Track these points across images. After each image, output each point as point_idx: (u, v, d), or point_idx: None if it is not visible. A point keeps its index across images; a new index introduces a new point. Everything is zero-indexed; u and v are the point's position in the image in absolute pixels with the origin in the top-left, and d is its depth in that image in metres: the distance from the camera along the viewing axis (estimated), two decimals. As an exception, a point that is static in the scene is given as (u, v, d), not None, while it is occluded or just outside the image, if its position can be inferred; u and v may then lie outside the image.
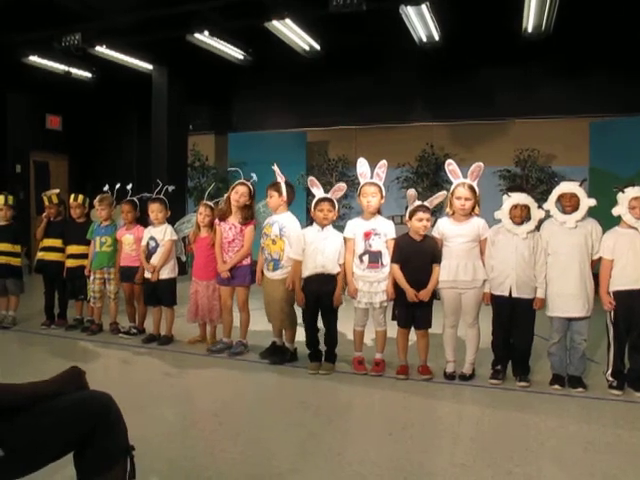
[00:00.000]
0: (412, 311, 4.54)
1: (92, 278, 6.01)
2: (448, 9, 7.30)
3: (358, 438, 3.52)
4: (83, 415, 2.00)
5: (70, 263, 6.16)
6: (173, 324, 5.71)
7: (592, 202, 4.27)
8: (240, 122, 11.62)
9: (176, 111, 10.50)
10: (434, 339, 4.72)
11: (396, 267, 4.51)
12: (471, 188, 4.45)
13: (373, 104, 10.29)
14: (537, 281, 4.34)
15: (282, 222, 4.96)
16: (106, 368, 5.07)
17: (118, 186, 6.07)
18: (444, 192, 4.70)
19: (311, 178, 4.93)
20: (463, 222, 4.48)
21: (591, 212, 4.34)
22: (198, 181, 11.09)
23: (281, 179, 5.02)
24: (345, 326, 5.08)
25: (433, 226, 4.71)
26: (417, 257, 4.48)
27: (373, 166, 4.69)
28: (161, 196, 5.78)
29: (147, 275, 5.65)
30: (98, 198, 6.05)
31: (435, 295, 4.57)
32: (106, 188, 6.12)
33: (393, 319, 4.67)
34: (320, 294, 4.67)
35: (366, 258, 4.60)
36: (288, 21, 7.59)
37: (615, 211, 4.24)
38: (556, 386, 4.34)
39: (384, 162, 4.68)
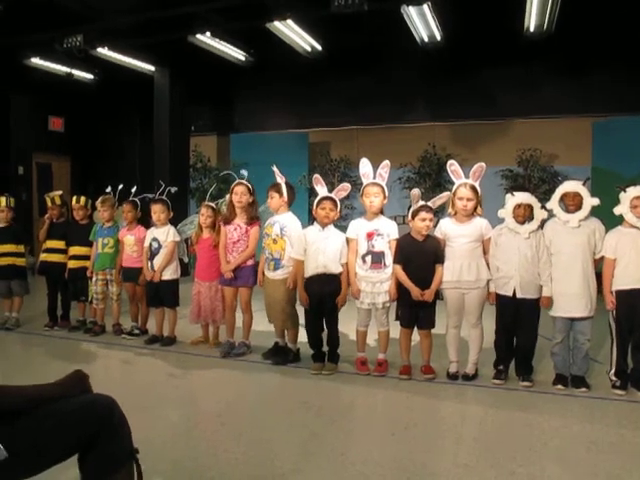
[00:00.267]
0: (415, 311, 4.54)
1: (94, 279, 6.02)
2: (450, 9, 7.29)
3: (361, 438, 3.52)
4: (86, 418, 2.00)
5: (72, 264, 6.17)
6: (176, 325, 5.71)
7: (595, 201, 4.26)
8: (242, 123, 11.63)
9: (178, 112, 10.51)
10: (437, 339, 4.71)
11: (398, 267, 4.51)
12: (473, 188, 4.44)
13: (375, 104, 10.29)
14: (542, 279, 4.33)
15: (283, 222, 4.96)
16: (109, 369, 5.08)
17: (121, 187, 6.09)
18: (448, 193, 4.69)
19: (316, 176, 4.93)
20: (466, 222, 4.48)
21: (594, 211, 4.33)
22: (200, 182, 11.10)
23: (281, 180, 5.02)
24: (348, 326, 5.08)
25: (435, 226, 4.70)
26: (419, 257, 4.48)
27: (375, 166, 4.69)
28: (163, 197, 5.79)
29: (147, 277, 5.66)
30: (100, 199, 6.06)
31: (438, 295, 4.57)
32: (108, 189, 6.13)
33: (396, 319, 4.67)
34: (322, 294, 4.67)
35: (369, 259, 4.59)
36: (290, 22, 7.59)
37: (617, 210, 4.24)
38: (559, 386, 4.33)
39: (387, 162, 4.67)
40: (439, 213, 6.63)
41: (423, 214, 4.45)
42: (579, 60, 9.00)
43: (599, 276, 4.36)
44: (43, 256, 6.38)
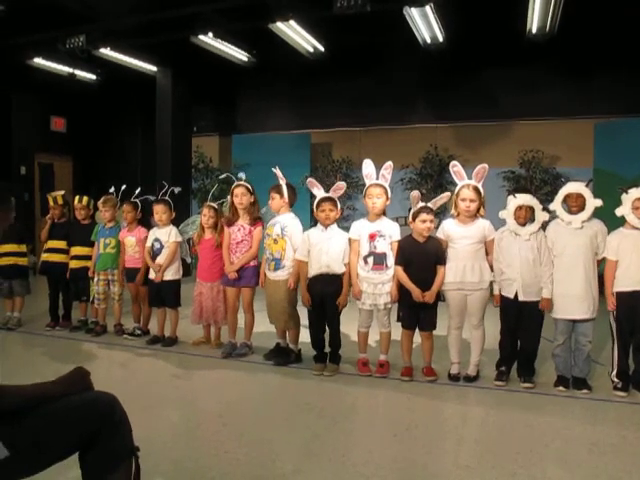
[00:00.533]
0: (417, 312, 4.54)
1: (96, 279, 6.03)
2: (452, 10, 7.29)
3: (362, 439, 3.52)
4: (88, 416, 2.00)
5: (74, 264, 6.17)
6: (177, 325, 5.71)
7: (598, 202, 4.26)
8: (244, 123, 11.63)
9: (180, 113, 10.52)
10: (438, 341, 4.71)
11: (400, 269, 4.51)
12: (476, 190, 4.44)
13: (377, 105, 10.29)
14: (542, 280, 4.33)
15: (284, 222, 4.96)
16: (110, 369, 5.08)
17: (123, 188, 6.10)
18: (448, 193, 4.70)
19: (310, 179, 4.92)
20: (468, 224, 4.48)
21: (596, 213, 4.33)
22: (202, 183, 11.11)
23: (282, 181, 5.03)
24: (349, 327, 5.08)
25: (437, 227, 4.70)
26: (420, 258, 4.48)
27: (377, 167, 4.70)
28: (166, 197, 5.79)
29: (152, 276, 5.67)
30: (102, 200, 6.07)
31: (440, 297, 4.56)
32: (112, 190, 6.14)
33: (398, 321, 4.67)
34: (325, 294, 4.68)
35: (371, 260, 4.59)
36: (292, 22, 7.59)
37: (618, 211, 4.23)
38: (561, 387, 4.33)
39: (390, 163, 4.67)
40: (440, 214, 6.63)
41: (423, 215, 4.45)
42: (581, 62, 9.00)
43: (601, 277, 4.35)
44: (44, 256, 6.39)
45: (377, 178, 4.68)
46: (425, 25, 7.50)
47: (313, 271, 4.69)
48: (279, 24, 7.56)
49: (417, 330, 4.63)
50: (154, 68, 10.19)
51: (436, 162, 10.02)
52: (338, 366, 4.79)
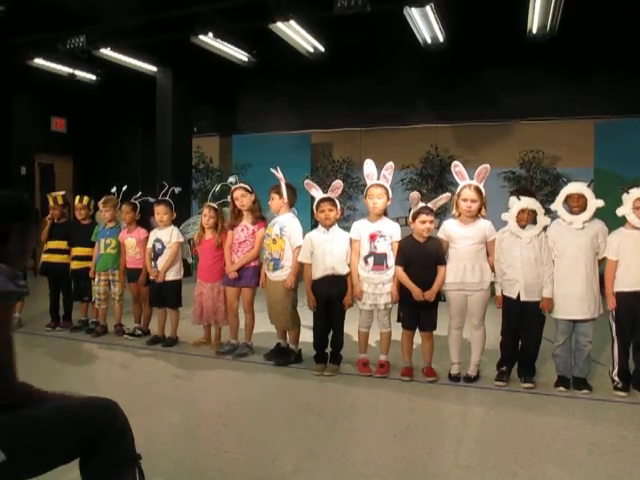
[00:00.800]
0: (417, 313, 4.54)
1: (97, 280, 6.03)
2: (452, 10, 7.30)
3: (362, 439, 3.52)
4: (87, 421, 1.99)
5: (75, 265, 6.17)
6: (178, 326, 5.71)
7: (600, 203, 4.26)
8: (244, 124, 11.63)
9: (180, 113, 10.53)
10: (439, 341, 4.71)
11: (400, 269, 4.50)
12: (477, 190, 4.44)
13: (377, 105, 10.29)
14: (543, 280, 4.33)
15: (283, 222, 4.96)
16: (111, 369, 5.08)
17: (124, 188, 6.10)
18: (448, 194, 4.69)
19: (307, 181, 4.92)
20: (469, 224, 4.48)
21: (597, 213, 4.33)
22: (202, 183, 11.11)
23: (282, 181, 5.03)
24: (350, 328, 5.08)
25: (438, 228, 4.70)
26: (421, 259, 4.48)
27: (378, 168, 4.69)
28: (167, 198, 5.79)
29: (152, 276, 5.67)
30: (103, 200, 6.06)
31: (440, 297, 4.56)
32: (113, 190, 6.14)
33: (398, 321, 4.67)
34: (330, 295, 4.68)
35: (371, 260, 4.59)
36: (292, 23, 7.60)
37: (619, 211, 4.22)
38: (561, 388, 4.33)
39: (391, 164, 4.67)
40: (441, 214, 6.63)
41: (423, 216, 4.45)
42: (581, 62, 9.00)
43: (601, 277, 4.35)
44: (45, 257, 6.38)
45: (378, 178, 4.68)
46: (425, 25, 7.50)
47: (318, 273, 4.69)
48: (279, 24, 7.56)
49: (417, 330, 4.63)
50: (154, 68, 10.20)
51: (436, 162, 10.02)
52: (339, 366, 4.79)
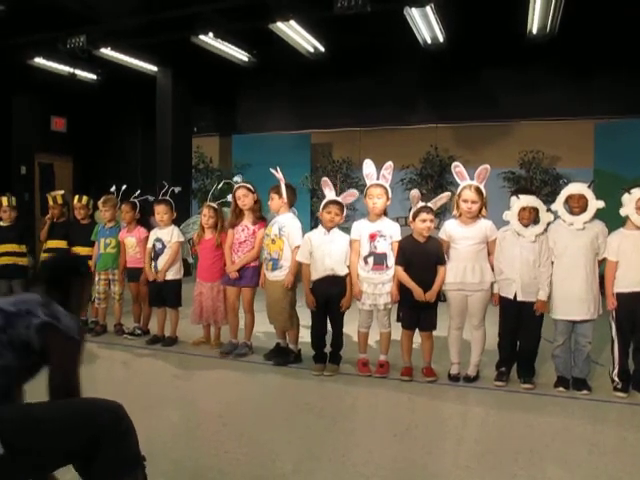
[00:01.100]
0: (417, 313, 4.54)
1: (97, 279, 6.02)
2: (453, 11, 7.30)
3: (362, 439, 3.52)
4: (90, 422, 2.00)
5: (75, 264, 6.16)
6: (177, 325, 5.71)
7: (600, 204, 4.25)
8: (244, 124, 11.64)
9: (180, 113, 10.53)
10: (438, 341, 4.71)
11: (400, 269, 4.50)
12: (478, 190, 4.43)
13: (377, 105, 10.29)
14: (540, 282, 4.33)
15: (282, 222, 4.96)
16: (110, 369, 5.08)
17: (124, 188, 6.10)
18: (448, 193, 4.70)
19: (324, 179, 4.94)
20: (470, 224, 4.47)
21: (596, 214, 4.32)
22: (202, 183, 11.11)
23: (281, 181, 5.03)
24: (350, 328, 5.07)
25: (439, 228, 4.69)
26: (421, 258, 4.48)
27: (377, 168, 4.70)
28: (167, 198, 5.79)
29: (149, 278, 5.66)
30: (102, 199, 6.06)
31: (440, 297, 4.56)
32: (112, 189, 6.14)
33: (398, 321, 4.66)
34: (329, 296, 4.68)
35: (371, 260, 4.59)
36: (292, 23, 7.60)
37: (623, 212, 4.21)
38: (561, 388, 4.33)
39: (390, 164, 4.67)
40: (440, 214, 6.62)
41: (423, 215, 4.45)
42: (581, 62, 9.00)
43: (601, 278, 4.34)
44: (44, 256, 6.38)
45: (377, 178, 4.68)
46: (425, 25, 7.50)
47: (317, 274, 4.69)
48: (279, 24, 7.56)
49: (417, 330, 4.63)
50: (154, 68, 10.20)
51: (436, 162, 10.03)
52: (338, 366, 4.79)
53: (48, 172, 11.71)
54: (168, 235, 5.66)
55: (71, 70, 10.12)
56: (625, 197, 4.22)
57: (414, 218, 4.50)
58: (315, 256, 4.69)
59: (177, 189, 5.92)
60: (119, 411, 2.07)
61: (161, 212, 5.67)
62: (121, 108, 12.01)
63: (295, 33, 8.01)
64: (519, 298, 4.33)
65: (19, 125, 10.88)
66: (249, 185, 5.21)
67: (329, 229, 4.71)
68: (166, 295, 5.65)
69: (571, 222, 4.30)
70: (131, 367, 5.09)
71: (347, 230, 4.79)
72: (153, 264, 5.65)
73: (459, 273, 4.43)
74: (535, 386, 4.38)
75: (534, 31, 7.46)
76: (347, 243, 4.70)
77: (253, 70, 9.80)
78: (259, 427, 3.64)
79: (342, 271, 4.66)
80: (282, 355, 5.04)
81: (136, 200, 6.00)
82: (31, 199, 11.01)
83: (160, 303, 5.72)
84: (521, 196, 4.40)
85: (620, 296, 4.23)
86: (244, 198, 5.17)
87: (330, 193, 4.78)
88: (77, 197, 6.34)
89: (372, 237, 4.60)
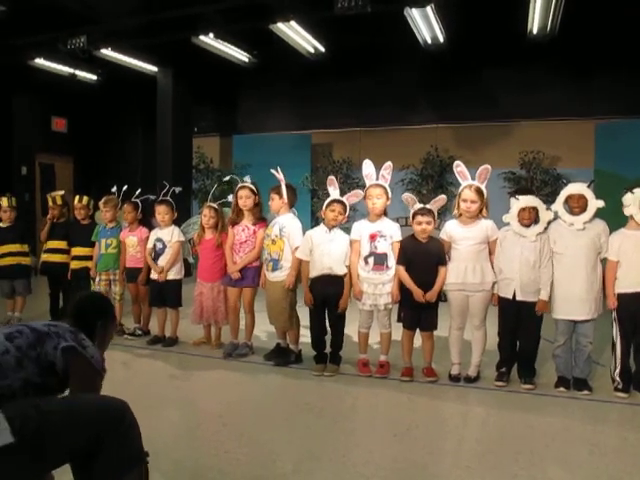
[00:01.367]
0: (418, 313, 4.53)
1: (97, 280, 6.02)
2: (453, 11, 7.30)
3: (363, 440, 3.51)
4: (96, 418, 2.01)
5: (74, 265, 6.17)
6: (178, 326, 5.71)
7: (600, 203, 4.24)
8: (245, 124, 11.64)
9: (181, 113, 10.54)
10: (439, 341, 4.71)
11: (402, 269, 4.50)
12: (478, 191, 4.43)
13: (377, 106, 10.29)
14: (540, 282, 4.32)
15: (282, 222, 4.97)
16: (111, 369, 5.00)
17: (125, 188, 6.10)
18: (443, 196, 4.69)
19: (330, 177, 4.94)
20: (471, 224, 4.47)
21: (597, 213, 4.31)
22: (203, 183, 11.11)
23: (282, 182, 5.03)
24: (350, 328, 5.07)
25: (439, 229, 4.69)
26: (422, 259, 4.48)
27: (378, 168, 4.70)
28: (168, 198, 5.79)
29: (154, 276, 5.67)
30: (104, 200, 6.06)
31: (441, 297, 4.56)
32: (113, 189, 6.14)
33: (399, 321, 4.66)
34: (326, 295, 4.67)
35: (371, 260, 4.59)
36: (293, 23, 7.60)
37: (627, 211, 4.19)
38: (561, 388, 4.33)
39: (389, 164, 4.67)
40: (441, 215, 6.61)
41: (419, 217, 4.45)
42: (582, 62, 9.00)
43: (603, 277, 4.34)
44: (44, 256, 6.40)
45: (377, 178, 4.68)
46: (426, 25, 7.50)
47: (315, 272, 4.69)
48: (280, 25, 7.57)
49: (418, 330, 4.62)
50: (155, 68, 10.21)
51: (437, 163, 10.02)
52: (338, 366, 4.79)
53: (49, 172, 11.72)
54: (169, 235, 5.66)
55: (72, 70, 10.12)
56: (628, 197, 4.20)
57: (413, 220, 4.51)
58: (314, 254, 4.69)
59: (178, 189, 5.92)
60: (123, 408, 2.08)
61: (162, 212, 5.68)
62: (122, 108, 12.02)
63: (295, 33, 8.01)
64: (518, 298, 4.33)
65: (20, 125, 10.90)
66: (252, 187, 5.21)
67: (331, 228, 4.71)
68: (167, 295, 5.65)
69: (571, 222, 4.30)
70: (131, 367, 5.09)
71: (348, 230, 4.79)
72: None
73: (460, 273, 4.43)
74: (536, 386, 4.38)
75: (534, 31, 7.46)
76: (347, 243, 4.69)
77: (253, 70, 9.80)
78: (259, 427, 3.64)
79: (340, 271, 4.66)
80: (282, 355, 5.04)
81: (138, 200, 6.01)
82: (32, 199, 11.02)
83: (161, 303, 5.72)
84: (520, 197, 4.40)
85: (622, 297, 4.22)
86: (246, 199, 5.17)
87: (335, 192, 4.79)
88: (78, 197, 6.34)
89: (372, 237, 4.60)
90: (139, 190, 6.11)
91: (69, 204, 6.62)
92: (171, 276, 5.62)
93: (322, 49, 8.69)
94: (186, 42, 8.21)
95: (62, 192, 6.70)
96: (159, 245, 5.66)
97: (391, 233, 4.61)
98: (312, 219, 9.52)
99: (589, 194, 4.28)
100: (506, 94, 9.70)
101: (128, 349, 5.54)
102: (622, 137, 8.57)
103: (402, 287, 4.53)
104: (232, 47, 8.85)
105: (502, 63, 9.27)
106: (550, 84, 9.32)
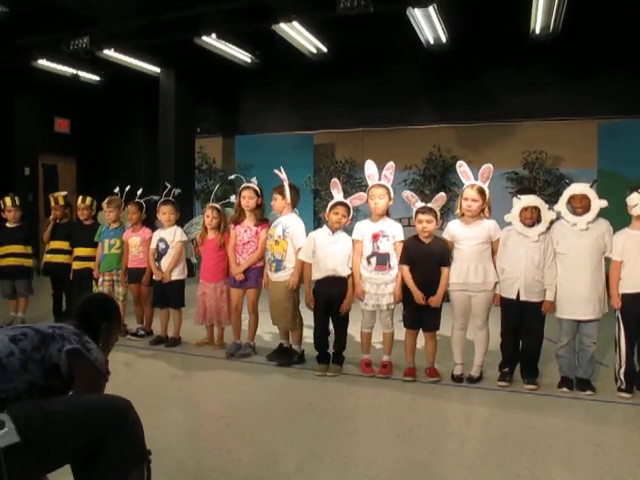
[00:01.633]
0: (420, 313, 4.53)
1: (100, 280, 6.02)
2: (455, 11, 7.29)
3: (365, 440, 3.51)
4: (100, 417, 2.02)
5: (77, 265, 6.18)
6: (181, 326, 5.71)
7: (603, 203, 4.23)
8: (247, 124, 11.65)
9: (183, 114, 10.55)
10: (442, 341, 4.71)
11: (405, 268, 4.50)
12: (480, 190, 4.43)
13: (380, 106, 10.28)
14: (545, 283, 4.32)
15: (285, 223, 4.96)
16: (113, 370, 5.01)
17: (128, 189, 6.10)
18: (443, 194, 4.68)
19: (334, 180, 4.96)
20: (473, 224, 4.47)
21: (600, 213, 4.30)
22: (205, 184, 11.12)
23: (285, 182, 5.03)
24: (352, 328, 5.07)
25: (442, 229, 4.69)
26: (424, 259, 4.47)
27: (380, 168, 4.69)
28: (171, 198, 5.80)
29: (156, 277, 5.67)
30: (107, 200, 6.07)
31: (443, 297, 4.55)
32: (116, 190, 6.14)
33: (405, 325, 4.65)
34: (331, 297, 4.67)
35: (374, 260, 4.59)
36: (295, 23, 7.60)
37: (635, 211, 4.16)
38: (564, 389, 4.32)
39: (391, 164, 4.67)
40: (443, 215, 6.61)
41: (419, 216, 4.46)
42: (584, 62, 8.98)
43: (606, 277, 4.32)
44: (47, 257, 6.41)
45: (379, 179, 4.68)
46: (428, 26, 7.49)
47: (319, 274, 4.69)
48: (282, 25, 7.57)
49: (421, 330, 4.62)
50: (157, 69, 10.22)
51: (439, 163, 10.02)
52: (341, 367, 4.78)
53: (52, 173, 11.74)
54: (171, 235, 5.67)
55: (74, 71, 10.14)
56: (633, 197, 4.15)
57: (415, 219, 4.51)
58: (318, 256, 4.69)
59: (177, 191, 5.92)
60: (126, 407, 2.09)
61: (167, 212, 5.69)
62: (124, 109, 12.04)
63: (298, 34, 8.01)
64: (522, 298, 4.32)
65: (23, 126, 10.91)
66: (256, 188, 5.20)
67: (334, 230, 4.71)
68: (169, 296, 5.66)
69: (574, 222, 4.28)
70: (134, 368, 5.09)
71: (350, 231, 4.78)
72: (157, 265, 5.66)
73: (462, 273, 4.42)
74: (539, 386, 4.37)
75: (537, 30, 7.44)
76: (350, 245, 4.69)
77: (256, 71, 9.81)
78: (262, 427, 3.64)
79: (344, 272, 4.66)
80: (285, 356, 5.03)
81: (141, 201, 6.01)
82: (35, 200, 11.04)
83: (163, 304, 5.72)
84: (522, 196, 4.39)
85: (626, 297, 4.21)
86: (249, 199, 5.17)
87: (338, 194, 4.79)
88: (80, 198, 6.35)
89: (375, 237, 4.60)
90: (141, 190, 6.10)
91: (71, 205, 6.62)
92: (174, 276, 5.63)
93: (324, 49, 8.68)
94: (188, 43, 8.21)
95: (64, 193, 6.71)
96: (162, 245, 5.67)
97: (393, 233, 4.61)
98: (314, 219, 9.53)
99: (592, 194, 4.27)
100: (508, 94, 9.69)
101: (131, 349, 5.55)
102: (625, 137, 8.55)
103: (405, 287, 4.52)
104: (234, 48, 8.86)
105: (504, 63, 9.26)
106: (552, 84, 9.31)
